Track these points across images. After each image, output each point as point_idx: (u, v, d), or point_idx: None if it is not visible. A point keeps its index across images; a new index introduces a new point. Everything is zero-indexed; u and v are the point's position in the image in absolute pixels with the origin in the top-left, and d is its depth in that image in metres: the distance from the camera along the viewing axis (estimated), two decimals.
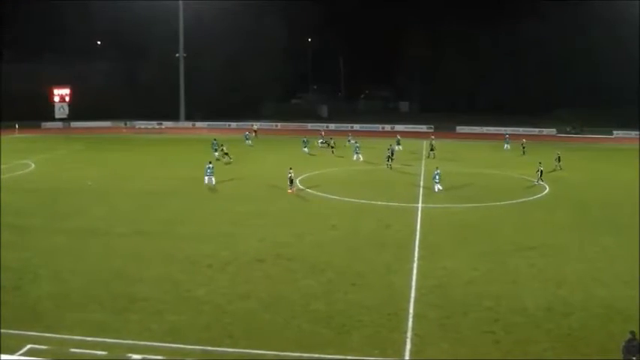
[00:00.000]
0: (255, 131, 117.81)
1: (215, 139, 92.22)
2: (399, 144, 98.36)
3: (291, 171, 66.50)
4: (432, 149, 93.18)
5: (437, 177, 65.63)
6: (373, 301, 34.48)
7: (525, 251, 44.07)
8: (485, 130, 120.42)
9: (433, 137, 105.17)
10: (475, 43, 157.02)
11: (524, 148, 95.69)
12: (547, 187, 67.85)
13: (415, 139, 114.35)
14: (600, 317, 32.57)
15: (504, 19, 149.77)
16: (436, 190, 65.07)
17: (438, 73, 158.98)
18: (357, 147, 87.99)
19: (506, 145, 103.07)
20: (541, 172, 69.40)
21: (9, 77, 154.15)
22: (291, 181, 65.66)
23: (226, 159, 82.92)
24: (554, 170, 78.00)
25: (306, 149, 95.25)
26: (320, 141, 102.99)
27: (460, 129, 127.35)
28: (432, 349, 29.01)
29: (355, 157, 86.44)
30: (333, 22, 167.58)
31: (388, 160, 79.98)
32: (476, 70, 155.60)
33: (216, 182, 68.09)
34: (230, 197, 62.94)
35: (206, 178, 67.81)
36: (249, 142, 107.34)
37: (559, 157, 79.82)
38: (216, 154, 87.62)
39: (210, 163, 69.56)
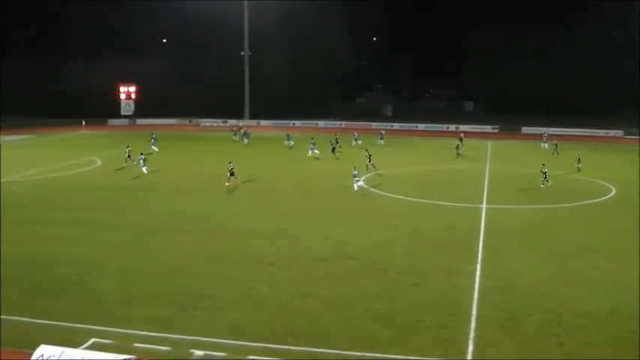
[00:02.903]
0: (241, 128, 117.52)
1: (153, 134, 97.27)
2: (381, 138, 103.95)
3: (230, 164, 67.73)
4: (457, 148, 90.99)
5: (356, 176, 65.84)
6: (435, 301, 34.40)
7: (589, 254, 43.58)
8: (551, 130, 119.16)
9: (462, 135, 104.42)
10: (541, 43, 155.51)
11: (556, 147, 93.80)
12: (613, 188, 66.98)
13: (480, 139, 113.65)
14: None
15: (572, 18, 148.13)
16: (356, 188, 65.21)
17: (504, 73, 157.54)
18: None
19: (543, 145, 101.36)
20: (545, 174, 68.21)
21: (76, 75, 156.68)
22: (232, 174, 67.20)
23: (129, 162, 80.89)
24: (574, 172, 76.74)
25: (316, 151, 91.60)
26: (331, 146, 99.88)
27: (525, 129, 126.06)
28: (494, 350, 28.87)
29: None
30: (398, 22, 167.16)
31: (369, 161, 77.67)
32: (542, 70, 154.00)
33: (278, 180, 68.21)
34: (292, 195, 63.20)
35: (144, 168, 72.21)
36: (246, 140, 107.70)
37: (579, 158, 78.30)
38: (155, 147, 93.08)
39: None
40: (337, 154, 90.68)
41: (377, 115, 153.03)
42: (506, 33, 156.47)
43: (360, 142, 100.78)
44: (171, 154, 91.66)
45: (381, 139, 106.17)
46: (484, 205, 58.51)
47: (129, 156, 79.62)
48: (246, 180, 69.74)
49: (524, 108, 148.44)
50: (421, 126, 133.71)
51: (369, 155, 76.47)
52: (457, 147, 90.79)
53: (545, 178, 68.01)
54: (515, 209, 57.84)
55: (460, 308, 33.41)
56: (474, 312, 32.92)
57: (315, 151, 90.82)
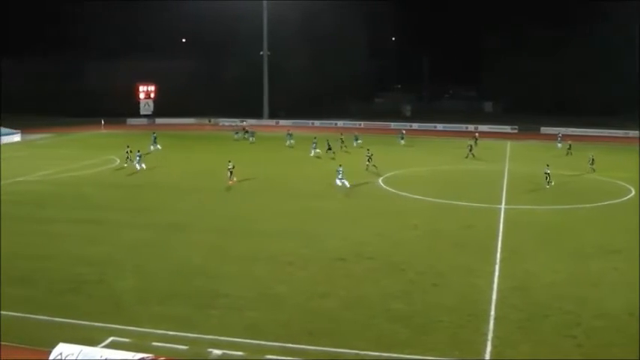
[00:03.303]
0: (244, 128, 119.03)
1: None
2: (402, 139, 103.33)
3: (230, 163, 68.50)
4: (470, 149, 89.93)
5: (340, 173, 66.24)
6: (453, 301, 34.33)
7: (609, 255, 43.38)
8: (570, 131, 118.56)
9: (477, 135, 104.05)
10: (562, 43, 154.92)
11: (570, 148, 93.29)
12: (632, 189, 66.63)
13: (499, 139, 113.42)
14: None
15: (593, 17, 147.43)
16: (339, 184, 65.67)
17: (523, 73, 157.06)
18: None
19: (558, 145, 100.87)
20: (548, 174, 67.77)
21: (96, 74, 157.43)
22: (231, 173, 68.02)
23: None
24: (588, 173, 76.33)
25: (318, 150, 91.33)
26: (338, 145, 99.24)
27: (545, 130, 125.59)
28: (512, 351, 28.78)
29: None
30: (418, 22, 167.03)
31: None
32: (562, 70, 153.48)
33: (297, 180, 68.30)
34: (311, 195, 63.15)
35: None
36: (252, 139, 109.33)
37: (592, 159, 77.80)
38: (154, 146, 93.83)
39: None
40: (343, 153, 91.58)
41: (396, 115, 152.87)
42: (527, 33, 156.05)
43: (360, 141, 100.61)
44: (190, 153, 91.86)
45: (402, 139, 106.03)
46: (503, 206, 58.33)
47: (128, 157, 79.97)
48: (261, 179, 70.02)
49: (544, 108, 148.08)
50: (440, 126, 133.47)
51: (370, 156, 76.43)
52: (470, 147, 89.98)
53: (549, 179, 67.58)
54: (535, 210, 57.66)
55: (478, 308, 33.34)
56: (493, 312, 32.83)
57: (317, 150, 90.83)
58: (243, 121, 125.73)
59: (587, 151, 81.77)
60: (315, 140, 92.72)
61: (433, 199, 61.01)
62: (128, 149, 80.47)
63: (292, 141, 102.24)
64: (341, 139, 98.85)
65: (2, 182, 68.43)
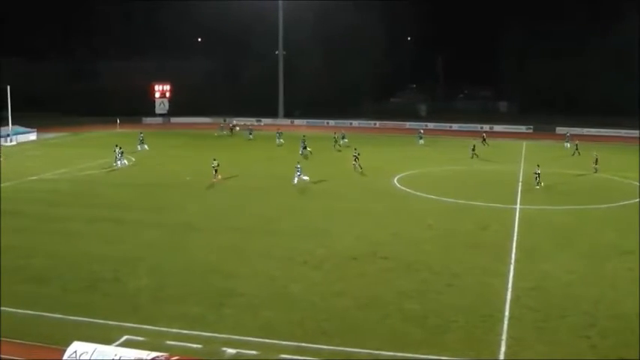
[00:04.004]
0: (231, 128, 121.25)
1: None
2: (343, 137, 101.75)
3: (215, 162, 70.09)
4: (473, 149, 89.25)
5: (299, 170, 67.35)
6: (468, 302, 34.29)
7: (623, 255, 43.22)
8: (585, 131, 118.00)
9: (485, 135, 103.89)
10: (578, 42, 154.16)
11: (577, 148, 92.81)
12: None
13: (514, 139, 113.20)
14: None
15: (608, 17, 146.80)
16: (295, 181, 66.63)
17: (538, 73, 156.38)
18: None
19: (566, 145, 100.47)
20: (538, 175, 67.41)
21: (111, 73, 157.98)
22: (216, 171, 69.57)
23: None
24: (596, 172, 76.04)
25: (309, 149, 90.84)
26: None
27: (560, 130, 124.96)
28: (528, 352, 28.72)
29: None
30: (433, 22, 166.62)
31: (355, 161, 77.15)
32: (578, 70, 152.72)
33: (311, 180, 68.35)
34: (325, 195, 63.15)
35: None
36: (250, 136, 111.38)
37: (597, 159, 77.39)
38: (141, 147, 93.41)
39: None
40: (336, 152, 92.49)
41: (411, 115, 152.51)
42: (542, 32, 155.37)
43: (346, 140, 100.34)
44: (205, 152, 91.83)
45: (421, 138, 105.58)
46: (518, 206, 58.19)
47: (116, 156, 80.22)
48: (273, 178, 70.16)
49: (559, 108, 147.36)
50: (455, 126, 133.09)
51: (357, 155, 76.49)
52: (473, 147, 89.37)
53: (538, 179, 66.99)
54: (550, 210, 57.47)
55: (493, 309, 33.29)
56: (507, 313, 32.78)
57: (308, 149, 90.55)
58: (224, 120, 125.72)
59: (597, 151, 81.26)
60: (304, 138, 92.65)
61: (448, 199, 60.92)
62: (118, 149, 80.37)
63: (281, 140, 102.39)
64: (334, 138, 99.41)
65: (18, 180, 68.99)
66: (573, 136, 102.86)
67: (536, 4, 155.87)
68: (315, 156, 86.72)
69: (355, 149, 78.65)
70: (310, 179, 67.70)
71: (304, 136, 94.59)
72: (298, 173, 67.23)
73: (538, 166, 68.77)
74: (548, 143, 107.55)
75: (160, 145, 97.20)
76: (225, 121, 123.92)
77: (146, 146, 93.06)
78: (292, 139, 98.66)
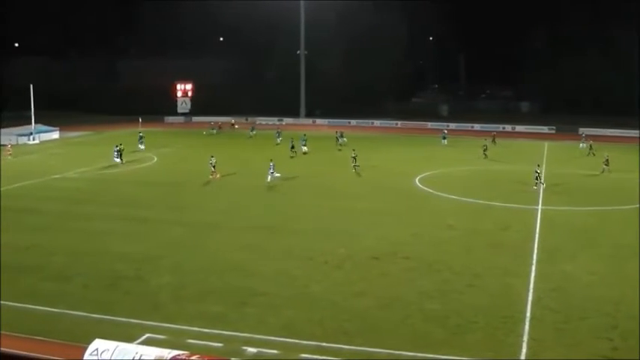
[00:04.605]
0: (220, 126, 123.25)
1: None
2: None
3: (213, 159, 71.05)
4: (485, 149, 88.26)
5: (271, 168, 67.84)
6: (489, 302, 34.22)
7: None
8: (609, 132, 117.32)
9: (495, 134, 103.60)
10: (601, 43, 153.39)
11: (591, 148, 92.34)
12: None
13: (536, 140, 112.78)
14: None
15: (632, 17, 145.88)
16: (269, 179, 67.25)
17: (561, 73, 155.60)
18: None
19: (582, 145, 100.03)
20: (538, 175, 66.97)
21: (133, 73, 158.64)
22: (214, 168, 70.50)
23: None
24: (602, 172, 75.57)
25: (305, 148, 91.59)
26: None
27: (583, 131, 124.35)
28: (548, 353, 28.63)
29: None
30: (455, 21, 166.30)
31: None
32: (600, 70, 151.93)
33: (334, 180, 68.41)
34: (346, 195, 63.07)
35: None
36: (252, 132, 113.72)
37: (607, 160, 76.94)
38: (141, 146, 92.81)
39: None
40: (336, 151, 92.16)
41: (433, 115, 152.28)
42: (564, 33, 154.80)
43: (345, 139, 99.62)
44: (227, 151, 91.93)
45: (444, 138, 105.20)
46: (540, 207, 57.95)
47: (120, 154, 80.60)
48: (295, 178, 70.22)
49: (582, 109, 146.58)
50: (477, 126, 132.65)
51: (355, 156, 76.26)
52: (485, 148, 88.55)
53: (539, 179, 66.43)
54: (571, 211, 57.18)
55: (514, 310, 33.20)
56: (528, 314, 32.68)
57: (305, 147, 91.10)
58: (211, 122, 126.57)
59: (611, 151, 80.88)
60: (304, 137, 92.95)
61: (469, 199, 60.79)
62: (120, 146, 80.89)
63: (280, 139, 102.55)
64: (336, 137, 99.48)
65: (40, 179, 69.64)
66: (588, 137, 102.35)
67: (558, 3, 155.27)
68: (328, 155, 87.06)
69: (354, 150, 78.27)
70: (282, 176, 68.15)
71: (305, 134, 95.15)
72: (271, 171, 67.75)
73: (538, 165, 68.45)
74: (570, 144, 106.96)
75: (181, 144, 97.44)
76: (219, 123, 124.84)
77: (142, 146, 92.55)
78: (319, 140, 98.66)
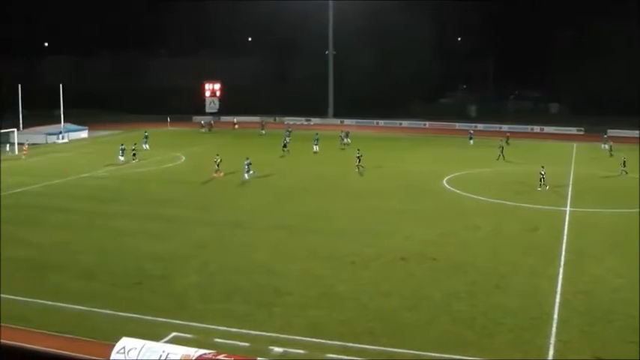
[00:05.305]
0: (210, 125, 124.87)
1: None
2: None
3: (217, 157, 72.02)
4: (501, 151, 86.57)
5: (247, 166, 69.15)
6: (517, 304, 34.09)
7: None
8: (636, 133, 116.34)
9: (509, 135, 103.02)
10: (631, 43, 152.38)
11: (611, 149, 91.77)
12: None
13: (565, 141, 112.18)
14: None
15: None
16: (246, 177, 68.54)
17: (590, 74, 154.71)
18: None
19: (603, 146, 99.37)
20: (542, 177, 66.42)
21: (162, 72, 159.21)
22: (218, 166, 71.44)
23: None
24: (620, 174, 74.57)
25: (317, 147, 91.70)
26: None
27: (611, 132, 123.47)
28: (575, 355, 28.52)
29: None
30: (484, 22, 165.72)
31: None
32: (629, 71, 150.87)
33: (361, 180, 68.34)
34: (374, 195, 62.94)
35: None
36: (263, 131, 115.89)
37: (624, 161, 76.31)
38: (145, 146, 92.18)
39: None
40: (339, 150, 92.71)
41: (461, 116, 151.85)
42: (594, 33, 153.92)
43: (349, 140, 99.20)
44: (252, 150, 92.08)
45: (471, 139, 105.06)
46: (568, 208, 57.61)
47: (122, 153, 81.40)
48: (313, 177, 70.30)
49: (611, 110, 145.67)
50: (505, 127, 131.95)
51: (359, 156, 75.73)
52: (502, 149, 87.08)
53: (543, 181, 65.94)
54: (600, 212, 56.79)
55: (542, 312, 33.06)
56: (556, 316, 32.53)
57: (317, 146, 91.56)
58: (201, 121, 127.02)
59: (632, 152, 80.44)
60: (317, 136, 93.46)
61: (497, 201, 60.55)
62: (122, 147, 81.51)
63: (288, 139, 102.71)
64: (340, 136, 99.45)
65: (69, 177, 70.07)
66: (609, 138, 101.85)
67: (587, 3, 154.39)
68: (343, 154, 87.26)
69: (358, 150, 77.96)
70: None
71: (317, 133, 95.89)
72: (247, 168, 68.92)
73: (543, 167, 67.97)
74: (596, 145, 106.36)
75: (209, 144, 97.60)
76: (209, 121, 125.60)
77: (147, 146, 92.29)
78: (332, 139, 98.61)
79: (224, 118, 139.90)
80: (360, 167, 74.72)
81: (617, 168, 75.57)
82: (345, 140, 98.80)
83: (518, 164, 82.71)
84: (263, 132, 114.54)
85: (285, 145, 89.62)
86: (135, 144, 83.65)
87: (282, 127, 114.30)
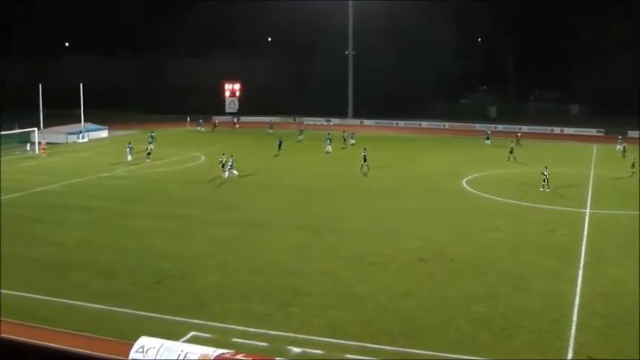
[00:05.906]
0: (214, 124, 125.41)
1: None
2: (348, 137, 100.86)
3: (223, 156, 72.81)
4: (511, 152, 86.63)
5: (230, 164, 70.44)
6: (536, 306, 33.99)
7: None
8: None
9: (519, 136, 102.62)
10: None
11: (624, 151, 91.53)
12: None
13: (585, 142, 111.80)
14: None
15: None
16: (226, 175, 69.69)
17: (610, 75, 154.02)
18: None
19: (618, 147, 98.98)
20: (545, 178, 66.03)
21: (182, 72, 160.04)
22: (223, 166, 71.91)
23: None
24: (632, 176, 73.65)
25: (329, 147, 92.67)
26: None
27: (632, 133, 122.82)
28: (594, 358, 28.39)
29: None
30: (504, 23, 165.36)
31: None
32: None
33: (380, 180, 68.35)
34: (392, 195, 62.93)
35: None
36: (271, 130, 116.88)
37: (633, 163, 75.93)
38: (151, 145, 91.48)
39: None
40: (340, 150, 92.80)
41: (481, 116, 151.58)
42: (615, 34, 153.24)
43: (353, 141, 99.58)
44: (271, 149, 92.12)
45: (487, 139, 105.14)
46: (588, 210, 57.41)
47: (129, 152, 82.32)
48: (331, 177, 70.30)
49: (632, 111, 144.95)
50: (525, 128, 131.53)
51: (364, 156, 75.67)
52: (511, 150, 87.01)
53: (546, 181, 65.68)
54: (621, 214, 56.48)
55: (561, 314, 32.97)
56: (575, 318, 32.42)
57: (329, 146, 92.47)
58: (199, 120, 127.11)
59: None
60: (329, 136, 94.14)
61: (516, 202, 60.40)
62: (129, 146, 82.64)
63: (301, 137, 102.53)
64: (343, 137, 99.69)
65: (89, 177, 70.58)
66: (623, 139, 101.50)
67: (609, 4, 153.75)
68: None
69: (364, 149, 77.97)
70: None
71: (329, 133, 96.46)
72: (229, 167, 70.11)
73: (546, 167, 67.68)
74: (614, 147, 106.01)
75: (228, 144, 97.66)
76: (202, 120, 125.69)
77: (152, 146, 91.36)
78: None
79: (244, 118, 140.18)
80: (366, 167, 74.67)
81: (628, 169, 75.27)
82: (351, 141, 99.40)
83: (536, 166, 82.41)
84: (270, 131, 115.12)
85: (280, 145, 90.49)
86: (149, 143, 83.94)
87: (294, 127, 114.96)
